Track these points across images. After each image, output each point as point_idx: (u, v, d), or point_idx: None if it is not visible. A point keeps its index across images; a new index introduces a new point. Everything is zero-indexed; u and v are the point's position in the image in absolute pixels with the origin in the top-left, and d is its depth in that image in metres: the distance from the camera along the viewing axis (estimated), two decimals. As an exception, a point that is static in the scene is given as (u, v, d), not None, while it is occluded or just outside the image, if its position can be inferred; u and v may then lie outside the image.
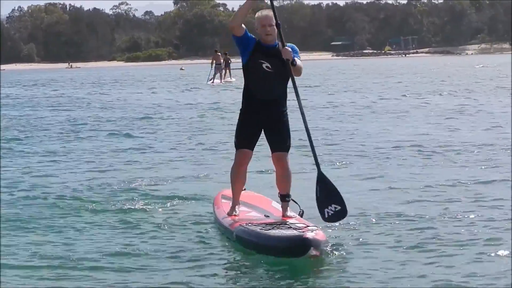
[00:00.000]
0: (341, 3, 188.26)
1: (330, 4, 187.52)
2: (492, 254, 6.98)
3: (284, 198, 8.13)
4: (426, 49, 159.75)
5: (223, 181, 10.90)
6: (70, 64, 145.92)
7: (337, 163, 13.05)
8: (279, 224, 7.46)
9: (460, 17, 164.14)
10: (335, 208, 7.86)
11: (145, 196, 10.43)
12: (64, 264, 7.08)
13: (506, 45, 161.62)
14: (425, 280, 6.34)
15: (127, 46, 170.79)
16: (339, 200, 7.90)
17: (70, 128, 21.01)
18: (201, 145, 16.57)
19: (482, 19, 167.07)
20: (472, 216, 8.52)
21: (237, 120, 8.23)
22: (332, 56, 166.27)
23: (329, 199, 7.92)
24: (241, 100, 8.35)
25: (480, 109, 22.88)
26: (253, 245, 7.31)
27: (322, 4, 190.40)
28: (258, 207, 8.64)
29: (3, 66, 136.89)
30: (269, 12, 7.99)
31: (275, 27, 7.91)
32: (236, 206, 8.26)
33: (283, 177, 8.15)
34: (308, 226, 7.24)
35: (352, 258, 7.12)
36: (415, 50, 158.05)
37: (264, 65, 7.88)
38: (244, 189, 9.14)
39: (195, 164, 13.71)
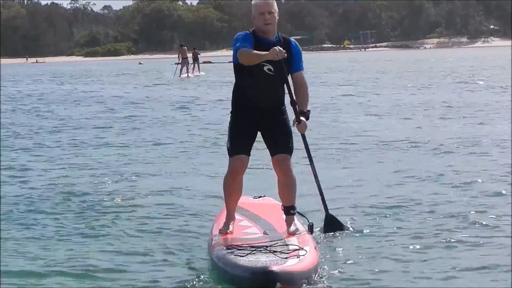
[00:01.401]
0: None
1: None
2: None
3: (289, 211, 7.13)
4: (385, 43, 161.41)
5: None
6: (36, 59, 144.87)
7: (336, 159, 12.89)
8: (266, 247, 6.51)
9: (418, 11, 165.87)
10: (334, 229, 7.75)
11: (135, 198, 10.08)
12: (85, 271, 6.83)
13: (464, 39, 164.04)
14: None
15: (86, 41, 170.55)
16: (339, 225, 7.73)
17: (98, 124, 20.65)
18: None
19: (440, 13, 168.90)
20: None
21: (228, 123, 7.22)
22: None
23: (332, 227, 7.72)
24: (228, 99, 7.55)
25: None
26: (223, 273, 6.40)
27: (281, 0, 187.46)
28: (263, 221, 7.65)
29: None
30: None
31: (276, 15, 6.96)
32: (231, 223, 7.22)
33: (286, 186, 7.10)
34: (299, 249, 6.39)
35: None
36: (374, 45, 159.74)
37: (265, 68, 6.88)
38: (264, 196, 8.64)
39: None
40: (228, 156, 7.11)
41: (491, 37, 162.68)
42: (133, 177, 11.69)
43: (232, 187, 7.06)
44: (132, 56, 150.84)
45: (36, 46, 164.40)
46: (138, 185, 11.09)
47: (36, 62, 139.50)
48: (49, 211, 9.34)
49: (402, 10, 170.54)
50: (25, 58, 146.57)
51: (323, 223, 7.61)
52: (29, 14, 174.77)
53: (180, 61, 52.42)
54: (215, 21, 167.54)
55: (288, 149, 6.94)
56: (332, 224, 7.70)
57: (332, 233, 7.63)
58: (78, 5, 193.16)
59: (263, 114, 6.93)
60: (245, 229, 7.28)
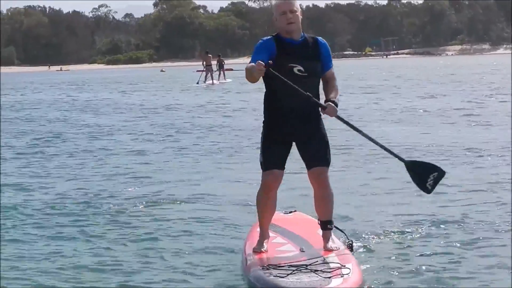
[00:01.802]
0: (322, 4, 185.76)
1: (310, 5, 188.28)
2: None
3: (326, 225, 6.77)
4: (407, 50, 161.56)
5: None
6: (61, 67, 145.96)
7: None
8: (306, 266, 6.14)
9: (440, 17, 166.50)
10: (433, 176, 6.78)
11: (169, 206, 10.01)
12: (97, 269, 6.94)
13: (486, 46, 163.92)
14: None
15: (108, 48, 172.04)
16: (432, 167, 6.89)
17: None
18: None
19: (462, 20, 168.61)
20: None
21: (260, 135, 6.77)
22: None
23: (424, 176, 6.83)
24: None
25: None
26: None
27: (302, 6, 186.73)
28: (297, 237, 7.24)
29: None
30: None
31: (299, 14, 6.50)
32: (265, 241, 6.83)
33: (323, 199, 6.71)
34: (341, 267, 6.05)
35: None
36: (395, 51, 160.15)
37: (295, 69, 6.42)
38: (294, 210, 8.34)
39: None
40: (261, 170, 6.70)
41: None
42: (163, 185, 11.61)
43: (265, 203, 6.71)
44: (154, 64, 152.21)
45: (58, 54, 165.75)
46: (166, 193, 11.01)
47: (61, 70, 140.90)
48: (75, 216, 9.38)
49: (424, 16, 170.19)
50: (48, 66, 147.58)
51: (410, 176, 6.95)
52: (51, 22, 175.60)
53: (204, 69, 52.48)
54: (236, 29, 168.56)
55: (325, 161, 6.57)
56: (421, 171, 6.94)
57: (430, 180, 6.91)
58: (99, 13, 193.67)
59: (297, 122, 6.49)
60: (280, 247, 6.94)
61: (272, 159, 6.54)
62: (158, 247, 7.75)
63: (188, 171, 13.12)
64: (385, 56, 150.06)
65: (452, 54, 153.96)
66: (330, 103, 6.37)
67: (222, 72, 55.21)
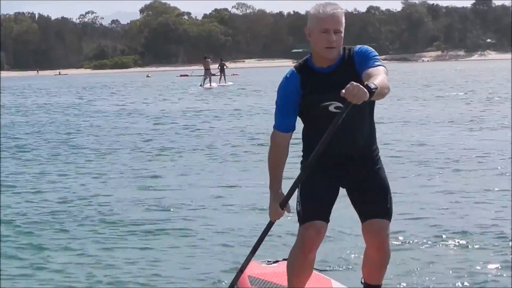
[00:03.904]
0: (302, 12, 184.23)
1: (291, 12, 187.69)
2: None
3: None
4: (384, 56, 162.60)
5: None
6: (59, 71, 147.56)
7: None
8: None
9: (417, 25, 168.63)
10: None
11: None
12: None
13: (461, 53, 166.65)
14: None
15: (94, 54, 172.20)
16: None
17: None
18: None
19: (439, 27, 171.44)
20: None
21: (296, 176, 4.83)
22: (293, 62, 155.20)
23: None
24: None
25: None
26: None
27: (283, 13, 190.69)
28: None
29: None
30: (337, 9, 4.64)
31: (342, 35, 4.68)
32: None
33: (378, 262, 4.99)
34: None
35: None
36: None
37: (331, 107, 4.67)
38: (280, 260, 6.52)
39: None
40: (298, 224, 4.97)
41: (488, 51, 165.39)
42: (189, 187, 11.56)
43: (303, 264, 4.99)
44: (139, 69, 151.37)
45: (47, 59, 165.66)
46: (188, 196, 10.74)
47: (59, 74, 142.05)
48: (92, 217, 9.39)
49: (402, 24, 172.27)
50: (36, 71, 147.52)
51: None
52: (40, 29, 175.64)
53: (205, 73, 53.28)
54: (219, 35, 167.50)
55: (386, 212, 4.88)
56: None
57: None
58: (86, 20, 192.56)
59: (345, 164, 4.90)
60: None
61: (315, 210, 4.92)
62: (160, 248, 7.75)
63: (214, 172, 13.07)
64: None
65: (428, 60, 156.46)
66: (358, 84, 4.13)
67: (223, 76, 54.99)
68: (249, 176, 12.86)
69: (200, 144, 18.29)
